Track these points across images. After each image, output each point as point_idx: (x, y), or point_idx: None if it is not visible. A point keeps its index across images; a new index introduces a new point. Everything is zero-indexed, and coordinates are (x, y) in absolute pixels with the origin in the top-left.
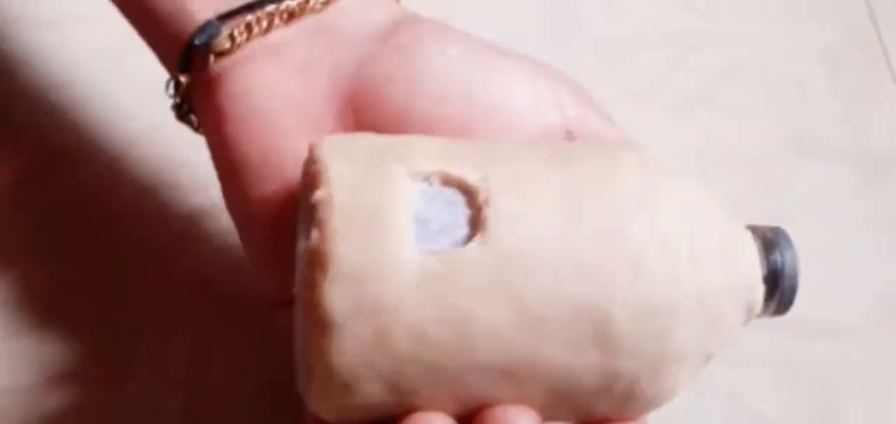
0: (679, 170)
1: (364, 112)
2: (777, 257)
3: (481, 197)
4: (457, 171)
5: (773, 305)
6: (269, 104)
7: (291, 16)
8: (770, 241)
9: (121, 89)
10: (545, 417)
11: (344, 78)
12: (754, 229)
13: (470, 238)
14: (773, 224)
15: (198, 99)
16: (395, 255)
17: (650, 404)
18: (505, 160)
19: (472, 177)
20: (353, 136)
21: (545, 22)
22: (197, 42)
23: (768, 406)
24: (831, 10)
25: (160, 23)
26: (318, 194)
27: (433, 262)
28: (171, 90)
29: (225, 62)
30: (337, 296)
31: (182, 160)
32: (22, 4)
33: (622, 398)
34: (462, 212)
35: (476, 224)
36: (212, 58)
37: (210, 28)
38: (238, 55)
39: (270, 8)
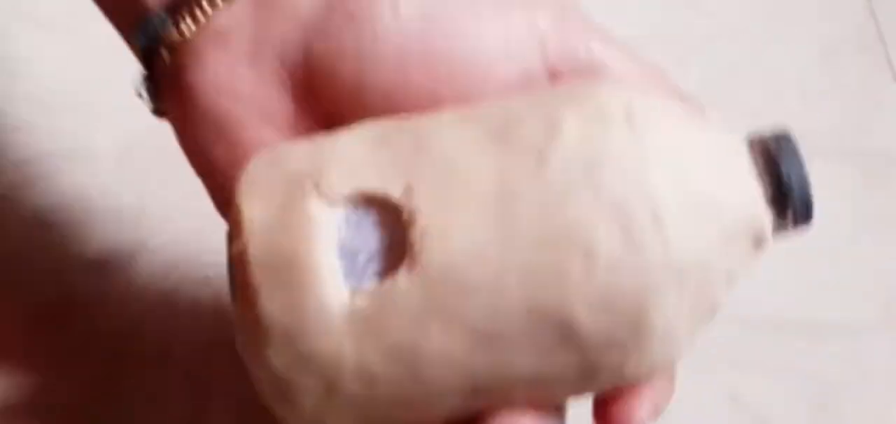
0: (654, 105)
1: (319, 90)
2: (781, 170)
3: (405, 216)
4: (377, 187)
5: (788, 221)
6: (223, 98)
7: None
8: (769, 153)
9: (121, 88)
10: (538, 407)
11: (292, 58)
12: (752, 142)
13: (398, 263)
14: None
15: (166, 97)
16: (320, 304)
17: (650, 375)
18: (435, 149)
19: (394, 190)
20: (275, 158)
21: None
22: (142, 43)
23: (768, 406)
24: (831, 10)
25: (123, 18)
26: (234, 248)
27: (364, 301)
28: (144, 88)
29: (181, 58)
30: (275, 357)
31: (184, 159)
32: (22, 3)
33: (613, 380)
34: (388, 234)
35: (403, 246)
36: (166, 54)
37: (155, 22)
38: (189, 47)
39: None
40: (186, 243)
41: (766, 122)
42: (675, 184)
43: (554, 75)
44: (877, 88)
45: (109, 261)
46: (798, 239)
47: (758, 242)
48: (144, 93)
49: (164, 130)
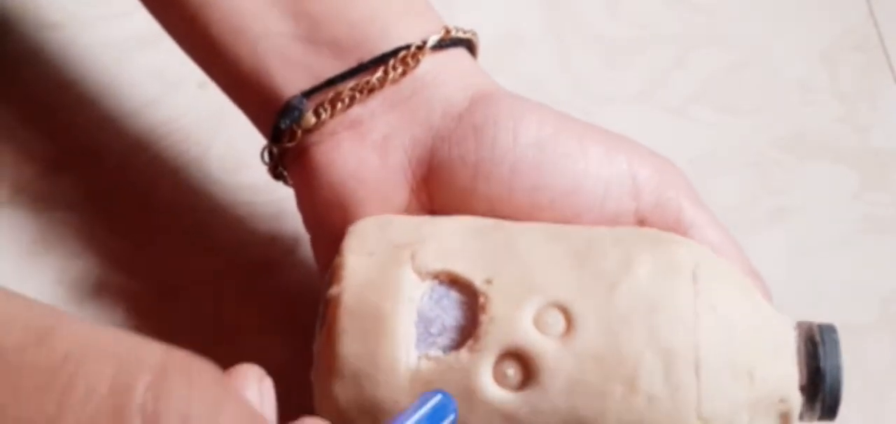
0: (719, 270)
1: (434, 189)
2: (820, 363)
3: (480, 300)
4: (464, 272)
5: (815, 412)
6: (349, 180)
7: (371, 90)
8: (814, 344)
9: (129, 88)
10: None
11: (417, 156)
12: (801, 327)
13: (465, 341)
14: (825, 320)
15: (289, 165)
16: (391, 359)
17: None
18: (520, 256)
19: (478, 278)
20: (382, 224)
21: (545, 21)
22: (282, 125)
23: None
24: (831, 10)
25: (249, 92)
26: (332, 290)
27: (428, 366)
28: (266, 157)
29: (312, 137)
30: (341, 393)
31: (191, 159)
32: (28, 3)
33: None
34: (463, 314)
35: (473, 327)
36: (299, 133)
37: (293, 110)
38: (323, 130)
39: (352, 83)
40: (186, 242)
41: (767, 122)
42: (719, 346)
43: (642, 222)
44: (877, 88)
45: (111, 263)
46: (798, 239)
47: (783, 420)
48: (267, 159)
49: (172, 130)
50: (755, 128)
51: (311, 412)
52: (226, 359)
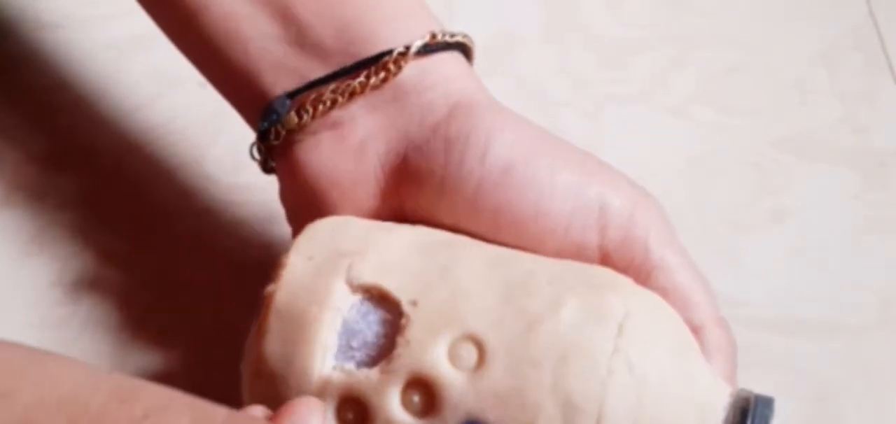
0: (655, 326)
1: (404, 196)
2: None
3: (402, 322)
4: (394, 290)
5: None
6: (325, 180)
7: (353, 94)
8: (744, 414)
9: (126, 88)
10: None
11: (390, 163)
12: (736, 396)
13: (378, 361)
14: (763, 391)
15: (276, 162)
16: (305, 365)
17: None
18: (452, 282)
19: (405, 298)
20: (335, 228)
21: (544, 21)
22: (263, 126)
23: None
24: (831, 10)
25: (240, 92)
26: (268, 288)
27: (339, 378)
28: (256, 151)
29: (295, 135)
30: (256, 389)
31: (188, 159)
32: (25, 3)
33: None
34: (385, 333)
35: (389, 348)
36: (282, 132)
37: (273, 111)
38: (305, 130)
39: (333, 86)
40: (183, 242)
41: (766, 122)
42: (626, 407)
43: (606, 255)
44: (877, 88)
45: (108, 263)
46: (797, 239)
47: None
48: (256, 155)
49: (169, 130)
50: (755, 128)
51: None
52: (223, 360)
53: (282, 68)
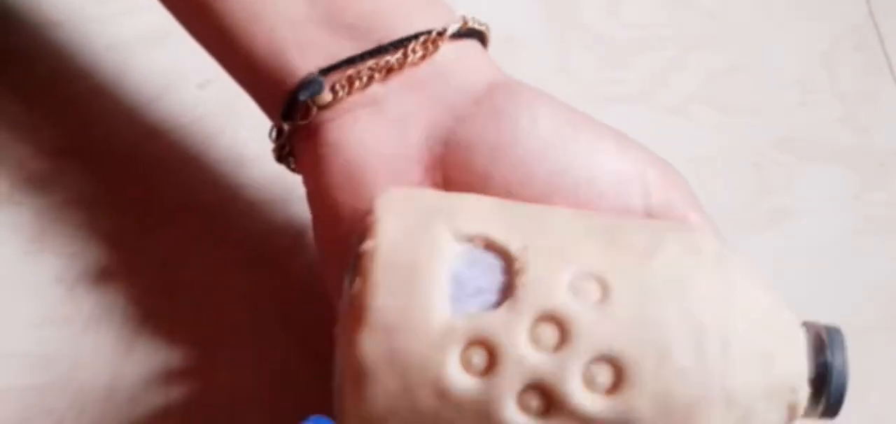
0: (737, 261)
1: (451, 170)
2: (827, 359)
3: (516, 266)
4: (499, 237)
5: (819, 408)
6: (365, 158)
7: (390, 71)
8: (821, 341)
9: (131, 85)
10: None
11: (435, 137)
12: (808, 326)
13: (500, 303)
14: (830, 321)
15: (298, 145)
16: (425, 312)
17: None
18: (552, 229)
19: (513, 244)
20: (412, 192)
21: (545, 21)
22: (301, 97)
23: None
24: (831, 10)
25: (262, 75)
26: (366, 244)
27: (462, 323)
28: (274, 135)
29: (326, 114)
30: (370, 345)
31: (193, 157)
32: (29, 1)
33: None
34: (498, 278)
35: (509, 290)
36: (314, 110)
37: (314, 83)
38: (338, 107)
39: (371, 62)
40: (187, 239)
41: (767, 122)
42: (744, 327)
43: (650, 217)
44: (877, 88)
45: (112, 260)
46: (798, 239)
47: (791, 412)
48: (275, 138)
49: (176, 126)
50: (755, 128)
51: (311, 411)
52: (228, 356)
53: (311, 47)
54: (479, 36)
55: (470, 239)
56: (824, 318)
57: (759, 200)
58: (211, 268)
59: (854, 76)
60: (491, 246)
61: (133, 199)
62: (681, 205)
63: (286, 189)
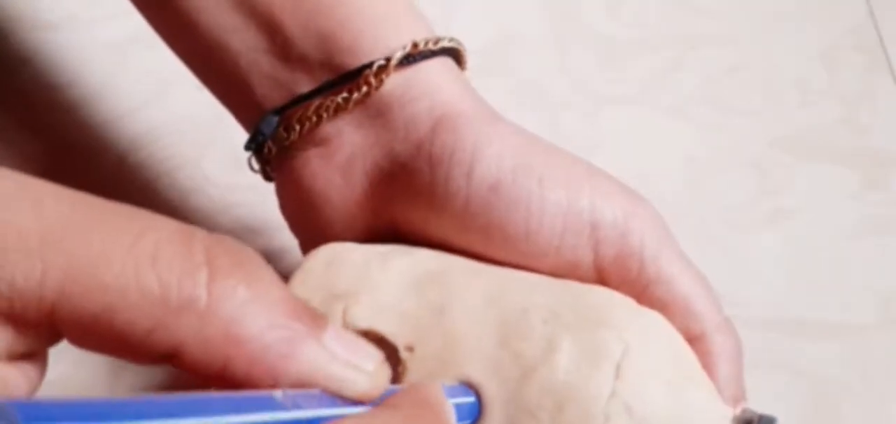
0: (649, 357)
1: (393, 212)
2: None
3: (400, 368)
4: (389, 333)
5: None
6: (318, 197)
7: (338, 109)
8: None
9: (125, 89)
10: None
11: (378, 181)
12: (739, 418)
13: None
14: (767, 410)
15: (273, 171)
16: None
17: None
18: (452, 321)
19: (402, 343)
20: (330, 262)
21: (545, 21)
22: (252, 145)
23: (767, 405)
24: (831, 10)
25: (239, 106)
26: None
27: None
28: (253, 163)
29: (285, 149)
30: None
31: (188, 160)
32: (23, 5)
33: None
34: None
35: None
36: (273, 147)
37: (263, 128)
38: (292, 145)
39: (318, 102)
40: None
41: (766, 122)
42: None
43: (601, 271)
44: (877, 88)
45: None
46: (798, 239)
47: None
48: (253, 166)
49: (169, 130)
50: (755, 128)
51: None
52: None
53: (270, 81)
54: (450, 52)
55: (363, 333)
56: (825, 316)
57: (759, 200)
58: None
59: (854, 76)
60: (382, 343)
61: (128, 203)
62: (636, 259)
63: None
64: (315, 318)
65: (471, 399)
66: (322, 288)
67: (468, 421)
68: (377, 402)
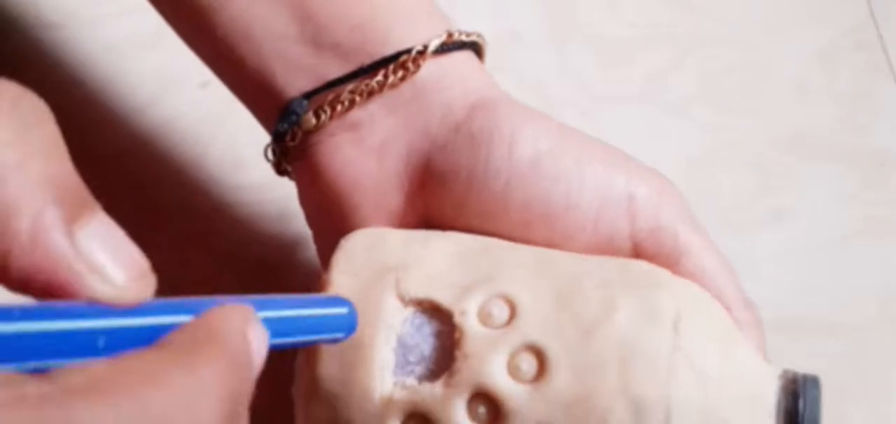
0: (700, 319)
1: (429, 197)
2: (798, 415)
3: (456, 336)
4: (445, 302)
5: None
6: (347, 183)
7: (371, 93)
8: (794, 395)
9: (128, 88)
10: None
11: (414, 164)
12: (784, 376)
13: (442, 372)
14: (804, 369)
15: (292, 162)
16: (365, 385)
17: None
18: (500, 293)
19: (457, 310)
20: (375, 240)
21: (545, 21)
22: (282, 127)
23: None
24: (831, 10)
25: (253, 92)
26: None
27: (402, 394)
28: (269, 154)
29: (312, 137)
30: (317, 414)
31: (191, 160)
32: (24, 3)
33: None
34: (441, 345)
35: (449, 361)
36: (299, 133)
37: (294, 112)
38: (323, 131)
39: (351, 86)
40: (185, 242)
41: (766, 122)
42: (693, 401)
43: (637, 244)
44: (876, 88)
45: None
46: (797, 238)
47: None
48: (270, 156)
49: (169, 130)
50: (755, 128)
51: None
52: None
53: (297, 68)
54: (473, 46)
55: (418, 303)
56: (825, 316)
57: (759, 200)
58: (209, 271)
59: (854, 76)
60: (436, 311)
61: (130, 202)
62: (671, 231)
63: (285, 193)
64: (77, 206)
65: (343, 309)
66: (367, 265)
67: (342, 333)
68: (158, 333)
